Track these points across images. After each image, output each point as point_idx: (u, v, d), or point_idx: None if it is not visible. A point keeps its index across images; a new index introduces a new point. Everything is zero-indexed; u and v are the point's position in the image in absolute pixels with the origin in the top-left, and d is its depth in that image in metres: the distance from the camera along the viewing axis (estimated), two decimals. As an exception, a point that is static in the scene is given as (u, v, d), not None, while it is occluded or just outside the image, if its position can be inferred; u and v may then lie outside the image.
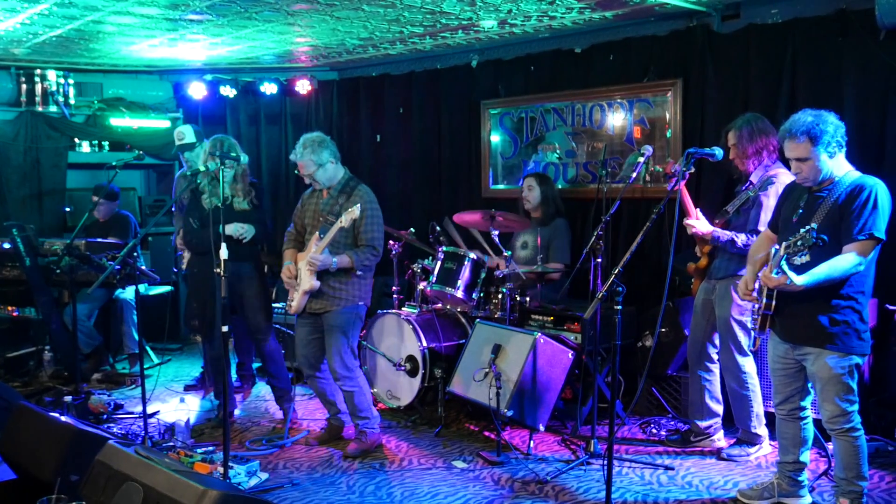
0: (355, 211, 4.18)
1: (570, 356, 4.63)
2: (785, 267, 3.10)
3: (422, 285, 5.42)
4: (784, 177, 4.03)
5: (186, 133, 5.71)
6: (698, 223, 4.14)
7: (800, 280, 3.10)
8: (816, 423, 3.66)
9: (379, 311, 5.48)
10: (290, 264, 4.51)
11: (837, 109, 3.88)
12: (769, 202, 3.98)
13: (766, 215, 4.00)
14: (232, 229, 4.73)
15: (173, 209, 5.84)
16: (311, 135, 4.44)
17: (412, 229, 5.72)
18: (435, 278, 5.22)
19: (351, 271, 4.36)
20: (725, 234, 4.08)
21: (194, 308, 5.09)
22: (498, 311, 5.14)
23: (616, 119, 5.76)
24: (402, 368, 5.17)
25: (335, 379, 4.50)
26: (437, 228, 5.56)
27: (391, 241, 5.57)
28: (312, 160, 4.36)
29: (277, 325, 5.93)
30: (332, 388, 4.64)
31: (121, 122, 7.22)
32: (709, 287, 4.32)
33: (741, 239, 4.04)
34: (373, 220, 4.38)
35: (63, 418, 3.91)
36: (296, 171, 4.55)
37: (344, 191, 4.44)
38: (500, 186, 6.58)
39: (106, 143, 7.37)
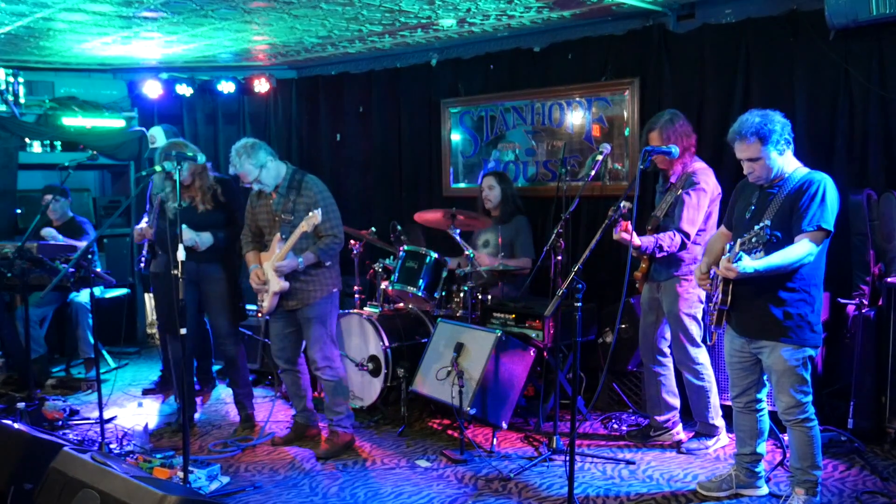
0: (317, 216, 4.16)
1: (532, 353, 4.66)
2: (743, 255, 3.14)
3: (383, 285, 5.41)
4: (704, 174, 4.20)
5: (158, 135, 5.61)
6: (626, 235, 4.06)
7: (755, 264, 3.15)
8: (772, 414, 3.74)
9: (341, 311, 5.44)
10: (256, 268, 4.46)
11: (789, 107, 3.98)
12: (692, 201, 4.10)
13: (688, 213, 4.11)
14: (186, 236, 4.63)
15: (148, 207, 5.69)
16: (239, 143, 4.39)
17: (373, 228, 5.70)
18: (396, 277, 5.21)
19: (319, 264, 4.36)
20: (649, 242, 4.08)
21: (163, 307, 4.98)
22: (460, 310, 5.15)
23: (575, 117, 5.81)
24: (365, 368, 5.16)
25: (315, 369, 4.48)
26: (398, 227, 5.55)
27: (352, 241, 5.55)
28: (252, 164, 4.31)
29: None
30: (305, 383, 4.65)
31: (73, 121, 7.06)
32: (653, 286, 4.39)
33: (666, 242, 4.10)
34: (328, 210, 4.35)
35: (16, 425, 3.84)
36: (240, 184, 4.50)
37: (292, 186, 4.41)
38: (461, 185, 6.59)
39: (58, 143, 7.19)
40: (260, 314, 4.62)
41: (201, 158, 4.52)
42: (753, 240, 3.10)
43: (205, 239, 4.67)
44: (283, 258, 4.28)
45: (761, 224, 3.09)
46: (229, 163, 4.39)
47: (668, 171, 4.27)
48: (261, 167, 4.33)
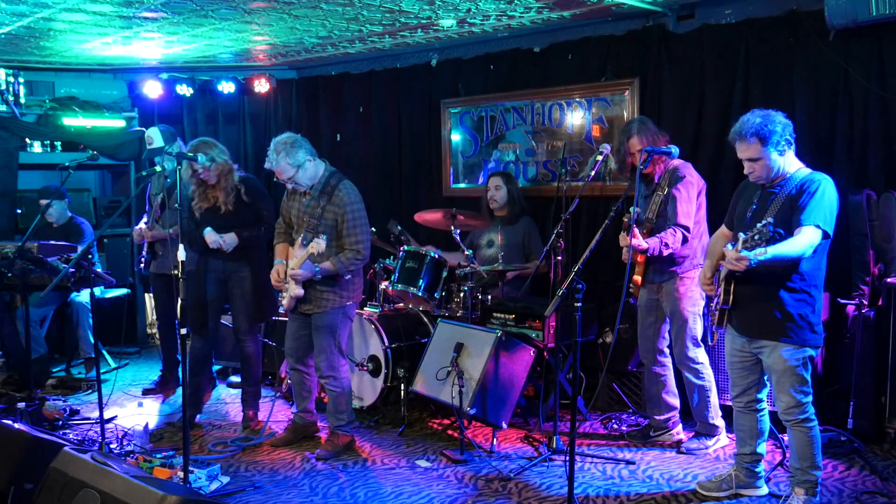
0: (321, 244, 4.08)
1: (532, 354, 4.66)
2: (751, 254, 3.12)
3: (383, 285, 5.42)
4: (686, 168, 4.26)
5: (155, 137, 5.57)
6: (637, 242, 4.06)
7: (761, 255, 3.11)
8: (771, 414, 3.75)
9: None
10: (280, 263, 4.43)
11: (789, 108, 3.97)
12: (682, 195, 4.16)
13: (682, 207, 4.15)
14: (210, 239, 4.63)
15: (147, 208, 5.69)
16: (282, 137, 4.29)
17: (373, 229, 5.68)
18: (396, 277, 5.21)
19: (336, 275, 4.30)
20: (655, 242, 4.09)
21: (190, 305, 4.97)
22: (460, 310, 5.15)
23: (575, 118, 5.81)
24: (365, 368, 5.16)
25: (320, 377, 4.48)
26: (398, 227, 5.56)
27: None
28: (289, 164, 4.21)
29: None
30: (311, 385, 4.64)
31: (74, 121, 7.06)
32: (653, 288, 4.39)
33: (669, 239, 4.11)
34: (356, 223, 4.28)
35: (16, 425, 3.84)
36: (274, 179, 4.44)
37: (325, 191, 4.31)
38: (461, 185, 6.59)
39: (58, 144, 7.20)
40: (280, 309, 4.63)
41: (201, 158, 4.53)
42: (756, 237, 3.08)
43: (229, 241, 4.66)
44: (299, 266, 4.25)
45: (764, 221, 3.08)
46: (266, 160, 4.29)
47: (653, 173, 4.29)
48: (298, 167, 4.23)
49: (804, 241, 3.20)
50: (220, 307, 4.95)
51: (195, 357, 4.88)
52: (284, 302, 4.43)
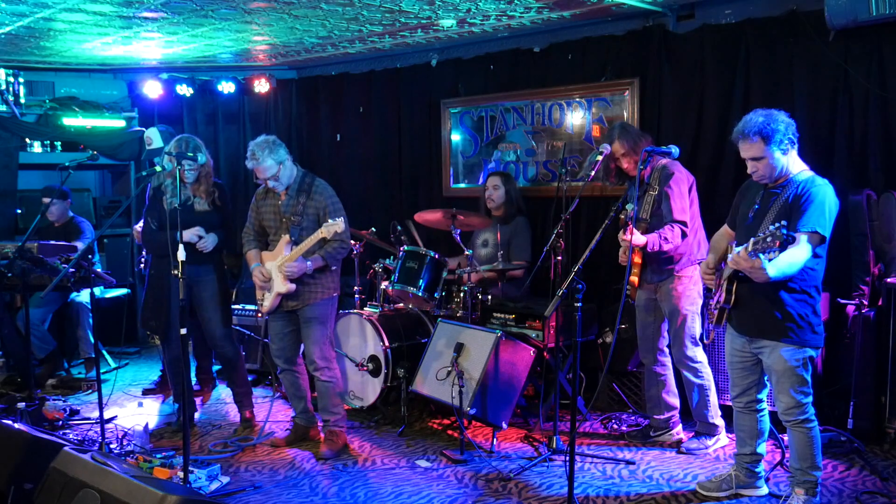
0: (339, 224, 4.20)
1: (532, 354, 4.66)
2: (762, 257, 3.06)
3: (383, 285, 5.42)
4: (674, 165, 4.26)
5: (154, 137, 5.57)
6: (635, 237, 4.07)
7: (771, 271, 3.10)
8: (771, 415, 3.75)
9: (341, 311, 5.44)
10: (258, 266, 4.48)
11: (789, 108, 3.97)
12: (675, 192, 4.19)
13: (677, 203, 4.18)
14: (188, 236, 4.63)
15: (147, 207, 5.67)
16: (260, 138, 4.41)
17: (373, 229, 5.71)
18: (396, 277, 5.21)
19: (324, 267, 4.39)
20: (654, 237, 4.10)
21: (151, 309, 4.96)
22: (460, 310, 5.15)
23: (575, 118, 5.81)
24: (365, 368, 5.16)
25: (314, 370, 4.50)
26: (399, 228, 5.56)
27: (352, 241, 5.54)
28: (273, 160, 4.34)
29: (237, 327, 5.87)
30: (304, 384, 4.66)
31: (74, 121, 7.06)
32: (650, 288, 4.40)
33: (668, 234, 4.11)
34: (337, 215, 4.38)
35: (16, 425, 3.84)
36: (256, 181, 4.51)
37: (302, 189, 4.43)
38: (461, 185, 6.59)
39: (58, 144, 7.21)
40: (260, 314, 4.65)
41: (201, 159, 4.54)
42: (769, 239, 3.00)
43: (210, 241, 4.66)
44: (294, 261, 4.30)
45: (778, 224, 3.00)
46: (247, 158, 4.39)
47: (642, 175, 4.29)
48: (280, 164, 4.37)
49: (801, 255, 3.19)
50: (188, 311, 4.92)
51: (170, 362, 4.90)
52: (266, 303, 4.45)
